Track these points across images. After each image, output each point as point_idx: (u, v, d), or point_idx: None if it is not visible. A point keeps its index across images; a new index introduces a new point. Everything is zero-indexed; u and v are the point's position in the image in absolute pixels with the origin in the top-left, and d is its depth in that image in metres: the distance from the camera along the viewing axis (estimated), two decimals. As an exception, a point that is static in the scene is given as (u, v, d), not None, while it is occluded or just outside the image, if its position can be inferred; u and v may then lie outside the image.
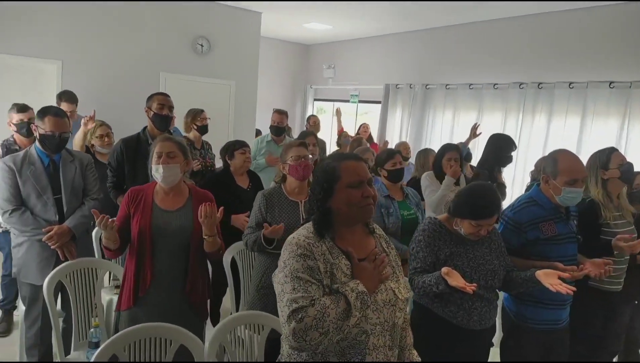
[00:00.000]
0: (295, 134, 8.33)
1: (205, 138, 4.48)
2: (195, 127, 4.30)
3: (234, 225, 3.21)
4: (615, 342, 2.96)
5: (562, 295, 2.37)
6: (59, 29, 5.20)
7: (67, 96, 4.38)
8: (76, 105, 4.43)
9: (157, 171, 2.27)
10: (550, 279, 2.09)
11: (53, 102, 4.88)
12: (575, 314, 2.56)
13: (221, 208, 2.25)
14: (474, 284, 1.92)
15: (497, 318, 2.39)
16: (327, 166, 1.58)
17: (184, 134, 4.41)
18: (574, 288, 2.05)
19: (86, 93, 5.22)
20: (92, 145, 3.83)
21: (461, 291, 2.08)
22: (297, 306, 1.38)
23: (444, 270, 1.98)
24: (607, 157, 2.68)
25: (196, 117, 4.34)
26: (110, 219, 2.12)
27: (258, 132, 7.27)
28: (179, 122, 4.73)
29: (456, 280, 1.94)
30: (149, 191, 2.33)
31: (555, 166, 2.37)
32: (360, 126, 6.73)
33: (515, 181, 5.37)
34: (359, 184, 1.53)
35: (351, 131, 7.13)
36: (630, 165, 2.68)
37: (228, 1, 6.06)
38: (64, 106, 4.28)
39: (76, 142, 3.64)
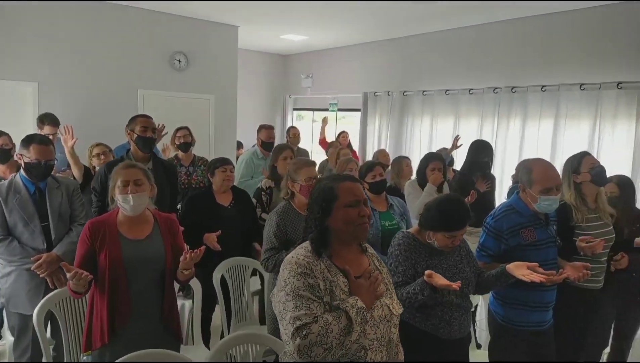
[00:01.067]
0: (276, 142, 8.36)
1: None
2: (176, 146, 4.33)
3: (205, 243, 3.13)
4: (599, 338, 3.07)
5: (547, 297, 2.48)
6: (33, 50, 5.13)
7: (49, 118, 4.33)
8: (58, 127, 4.39)
9: (125, 201, 2.18)
10: (521, 270, 2.16)
11: (31, 124, 4.84)
12: (558, 314, 2.65)
13: (203, 247, 2.21)
14: (458, 282, 1.98)
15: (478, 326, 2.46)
16: (325, 187, 1.64)
17: (173, 153, 4.42)
18: (545, 277, 2.11)
19: (64, 114, 5.13)
20: (94, 167, 3.82)
21: (441, 304, 2.16)
22: (300, 324, 1.44)
23: (427, 272, 2.01)
24: (578, 161, 2.77)
25: (174, 136, 4.36)
26: (84, 273, 2.01)
27: (239, 145, 7.28)
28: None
29: (441, 280, 1.98)
30: (112, 222, 2.21)
31: (530, 175, 2.46)
32: (340, 133, 6.76)
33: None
34: (356, 203, 1.61)
35: (330, 137, 7.14)
36: (602, 168, 2.77)
37: (205, 2, 6.04)
38: (47, 129, 4.25)
39: (73, 168, 3.63)
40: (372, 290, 1.57)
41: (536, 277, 2.09)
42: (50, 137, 4.18)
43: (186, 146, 4.40)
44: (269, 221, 2.71)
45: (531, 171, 2.47)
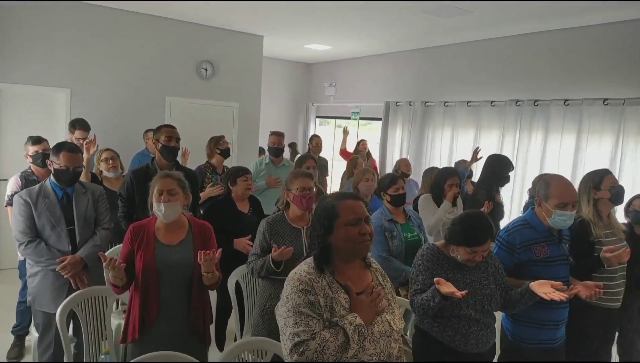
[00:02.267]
0: (299, 149, 8.46)
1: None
2: (219, 151, 4.43)
3: (237, 248, 3.30)
4: (607, 356, 3.04)
5: (557, 315, 2.48)
6: (67, 57, 5.38)
7: (80, 123, 4.52)
8: (88, 132, 4.59)
9: (158, 209, 2.35)
10: (543, 288, 2.17)
11: (63, 129, 5.06)
12: (575, 331, 2.64)
13: (220, 249, 2.32)
14: (465, 290, 2.01)
15: (496, 340, 2.46)
16: (327, 205, 1.70)
17: (206, 160, 4.55)
18: (567, 295, 2.12)
19: (95, 119, 5.36)
20: (101, 171, 3.96)
21: (457, 317, 2.19)
22: (298, 340, 1.50)
23: (435, 279, 2.07)
24: (600, 178, 2.79)
25: (218, 142, 4.48)
26: (117, 261, 2.20)
27: (261, 150, 7.41)
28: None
29: (448, 287, 2.03)
30: (150, 227, 2.40)
31: (548, 189, 2.48)
32: (359, 142, 6.81)
33: (513, 199, 5.44)
34: (357, 222, 1.65)
35: (350, 146, 7.18)
36: (621, 188, 2.78)
37: (232, 13, 6.20)
38: (78, 134, 4.43)
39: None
40: (373, 306, 1.61)
41: (556, 296, 2.10)
42: (81, 141, 4.38)
43: (228, 152, 4.51)
44: (260, 227, 2.75)
45: (549, 185, 2.49)
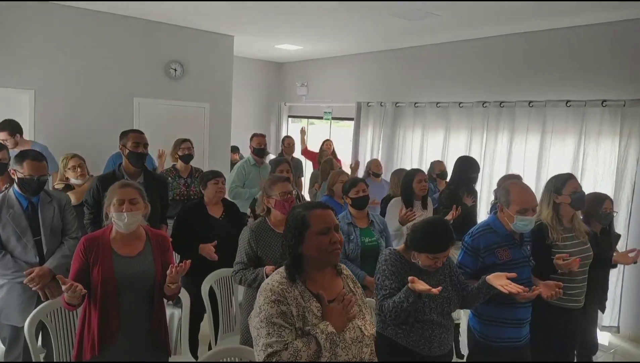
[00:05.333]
0: (271, 149, 8.44)
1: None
2: (178, 156, 4.43)
3: (201, 254, 3.26)
4: (571, 354, 3.16)
5: (520, 314, 2.58)
6: (30, 58, 5.21)
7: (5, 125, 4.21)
8: (19, 134, 4.27)
9: (120, 219, 2.26)
10: (499, 281, 2.26)
11: (27, 132, 4.91)
12: (537, 331, 2.74)
13: (188, 261, 2.29)
14: (439, 287, 2.08)
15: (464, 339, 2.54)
16: (298, 215, 1.73)
17: (170, 163, 4.53)
18: (521, 289, 2.20)
19: (60, 121, 5.26)
20: (67, 178, 3.84)
21: (421, 322, 2.26)
22: (271, 351, 1.53)
23: (410, 278, 2.11)
24: (562, 183, 2.86)
25: (177, 147, 4.47)
26: (78, 287, 2.10)
27: (235, 149, 7.38)
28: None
29: (422, 285, 2.08)
30: (106, 239, 2.30)
31: (508, 196, 2.57)
32: (324, 142, 6.85)
33: (482, 199, 5.50)
34: (327, 231, 1.69)
35: (314, 145, 7.18)
36: (583, 194, 2.86)
37: (201, 13, 6.13)
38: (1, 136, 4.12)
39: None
40: (345, 313, 1.66)
41: (514, 288, 2.19)
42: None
43: (189, 158, 4.53)
44: (243, 235, 2.75)
45: (509, 193, 2.58)
